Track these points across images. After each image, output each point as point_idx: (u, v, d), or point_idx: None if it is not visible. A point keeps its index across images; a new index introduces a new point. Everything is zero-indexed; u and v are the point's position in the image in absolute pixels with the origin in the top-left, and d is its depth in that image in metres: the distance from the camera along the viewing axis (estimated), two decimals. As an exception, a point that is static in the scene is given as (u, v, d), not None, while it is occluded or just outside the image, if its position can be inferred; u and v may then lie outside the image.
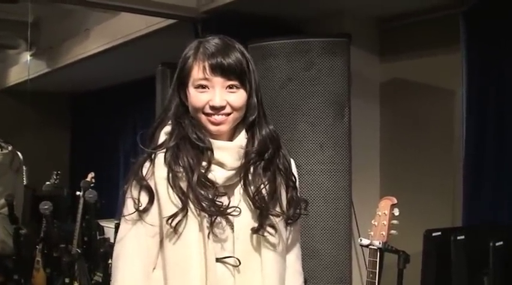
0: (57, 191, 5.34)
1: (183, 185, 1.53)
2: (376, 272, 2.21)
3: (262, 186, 1.60)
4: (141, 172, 1.58)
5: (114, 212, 5.99)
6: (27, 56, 6.37)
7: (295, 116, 3.20)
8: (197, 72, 1.56)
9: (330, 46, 3.21)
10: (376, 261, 2.21)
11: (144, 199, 1.57)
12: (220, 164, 1.58)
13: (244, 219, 1.58)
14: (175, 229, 1.52)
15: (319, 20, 3.86)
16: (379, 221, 2.23)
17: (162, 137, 1.62)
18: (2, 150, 4.29)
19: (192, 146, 1.57)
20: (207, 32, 3.84)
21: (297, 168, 3.07)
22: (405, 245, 2.43)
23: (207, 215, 1.53)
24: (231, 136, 1.63)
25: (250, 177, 1.60)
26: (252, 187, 1.59)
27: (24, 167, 5.07)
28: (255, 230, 1.58)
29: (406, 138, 3.90)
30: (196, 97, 1.57)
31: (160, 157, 1.58)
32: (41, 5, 5.17)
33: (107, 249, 4.05)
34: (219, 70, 1.55)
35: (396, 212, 2.22)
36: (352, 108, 3.36)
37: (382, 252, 2.23)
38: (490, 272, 2.56)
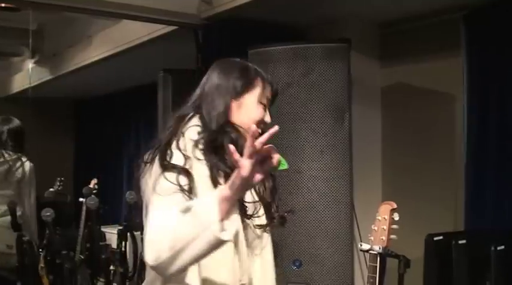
0: (60, 198, 5.35)
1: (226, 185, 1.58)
2: (376, 277, 2.20)
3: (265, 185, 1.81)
4: (171, 160, 1.62)
5: (118, 218, 6.00)
6: (30, 64, 6.40)
7: (295, 122, 3.20)
8: (266, 91, 1.83)
9: (330, 51, 3.22)
10: (376, 266, 2.21)
11: (184, 181, 1.59)
12: None
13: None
14: None
15: (320, 25, 3.87)
16: (379, 226, 2.23)
17: (194, 130, 1.70)
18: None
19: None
20: (208, 39, 3.82)
21: (298, 174, 3.12)
22: (407, 250, 2.43)
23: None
24: None
25: None
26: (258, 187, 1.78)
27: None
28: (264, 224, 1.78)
29: (407, 142, 3.90)
30: (260, 111, 1.81)
31: (197, 155, 1.65)
32: (43, 12, 5.20)
33: (109, 255, 4.06)
34: (274, 97, 1.87)
35: (396, 217, 2.22)
36: (354, 113, 3.36)
37: (382, 257, 2.22)
38: (491, 277, 2.56)
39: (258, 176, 1.44)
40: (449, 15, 3.51)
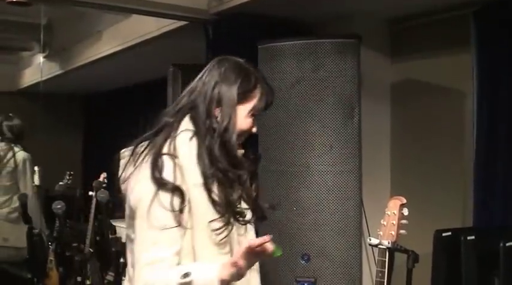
0: (69, 192, 5.38)
1: (222, 198, 1.69)
2: (385, 272, 2.21)
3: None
4: (166, 177, 1.64)
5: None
6: (40, 58, 6.43)
7: (305, 117, 3.21)
8: (261, 103, 1.77)
9: (340, 47, 3.22)
10: (385, 260, 2.21)
11: (177, 202, 1.63)
12: None
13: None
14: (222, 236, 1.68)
15: (330, 21, 3.87)
16: (388, 221, 2.23)
17: (185, 143, 1.71)
18: None
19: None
20: (218, 34, 3.81)
21: (307, 169, 3.13)
22: (416, 245, 2.43)
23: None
24: None
25: None
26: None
27: (36, 168, 5.12)
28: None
29: (416, 138, 3.90)
30: (249, 122, 1.78)
31: (190, 163, 1.67)
32: (54, 7, 5.22)
33: (119, 248, 4.08)
34: (267, 108, 1.82)
35: (405, 211, 2.22)
36: (363, 109, 3.36)
37: (391, 251, 2.23)
38: (500, 273, 2.56)
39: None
40: (459, 11, 3.50)
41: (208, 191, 1.66)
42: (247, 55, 1.88)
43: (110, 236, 4.39)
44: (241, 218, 1.75)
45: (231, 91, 1.73)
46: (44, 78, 6.36)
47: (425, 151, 3.83)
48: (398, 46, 4.03)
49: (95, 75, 6.47)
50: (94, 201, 4.50)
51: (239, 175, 1.74)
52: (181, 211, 1.62)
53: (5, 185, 4.49)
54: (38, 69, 6.53)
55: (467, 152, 3.46)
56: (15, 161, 4.57)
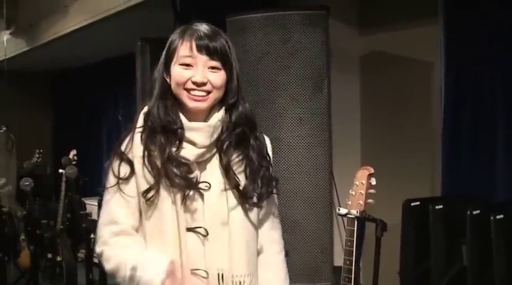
0: (39, 170, 5.34)
1: (158, 163, 1.66)
2: (353, 240, 2.23)
3: (236, 160, 1.73)
4: (121, 148, 1.72)
5: (98, 189, 5.97)
6: (4, 35, 6.32)
7: (273, 90, 3.19)
8: (183, 50, 1.68)
9: (308, 19, 3.20)
10: (354, 229, 2.23)
11: (124, 170, 1.70)
12: (192, 143, 1.70)
13: (215, 192, 1.70)
14: (151, 202, 1.67)
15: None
16: (356, 191, 2.25)
17: (141, 118, 1.74)
18: None
19: (164, 128, 1.69)
20: (186, 6, 3.76)
21: (277, 142, 3.09)
22: (386, 215, 2.46)
23: (179, 190, 1.66)
24: (206, 116, 1.74)
25: (224, 152, 1.72)
26: (225, 161, 1.71)
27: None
28: (232, 204, 1.72)
29: (385, 109, 3.92)
30: (180, 73, 1.68)
31: (137, 137, 1.71)
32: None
33: (89, 224, 4.07)
34: (205, 49, 1.67)
35: (373, 181, 2.24)
36: (332, 82, 3.36)
37: (359, 221, 2.25)
38: (467, 241, 2.60)
39: None
40: (427, -18, 3.51)
41: (146, 163, 1.67)
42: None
43: (81, 212, 4.36)
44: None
45: (159, 64, 1.76)
46: (10, 55, 6.26)
47: (394, 122, 3.85)
48: (366, 18, 4.03)
49: (63, 51, 6.38)
50: (64, 178, 4.48)
51: (175, 129, 1.69)
52: (127, 179, 1.69)
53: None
54: (2, 46, 6.41)
55: (435, 123, 3.49)
56: (12, 143, 4.59)
